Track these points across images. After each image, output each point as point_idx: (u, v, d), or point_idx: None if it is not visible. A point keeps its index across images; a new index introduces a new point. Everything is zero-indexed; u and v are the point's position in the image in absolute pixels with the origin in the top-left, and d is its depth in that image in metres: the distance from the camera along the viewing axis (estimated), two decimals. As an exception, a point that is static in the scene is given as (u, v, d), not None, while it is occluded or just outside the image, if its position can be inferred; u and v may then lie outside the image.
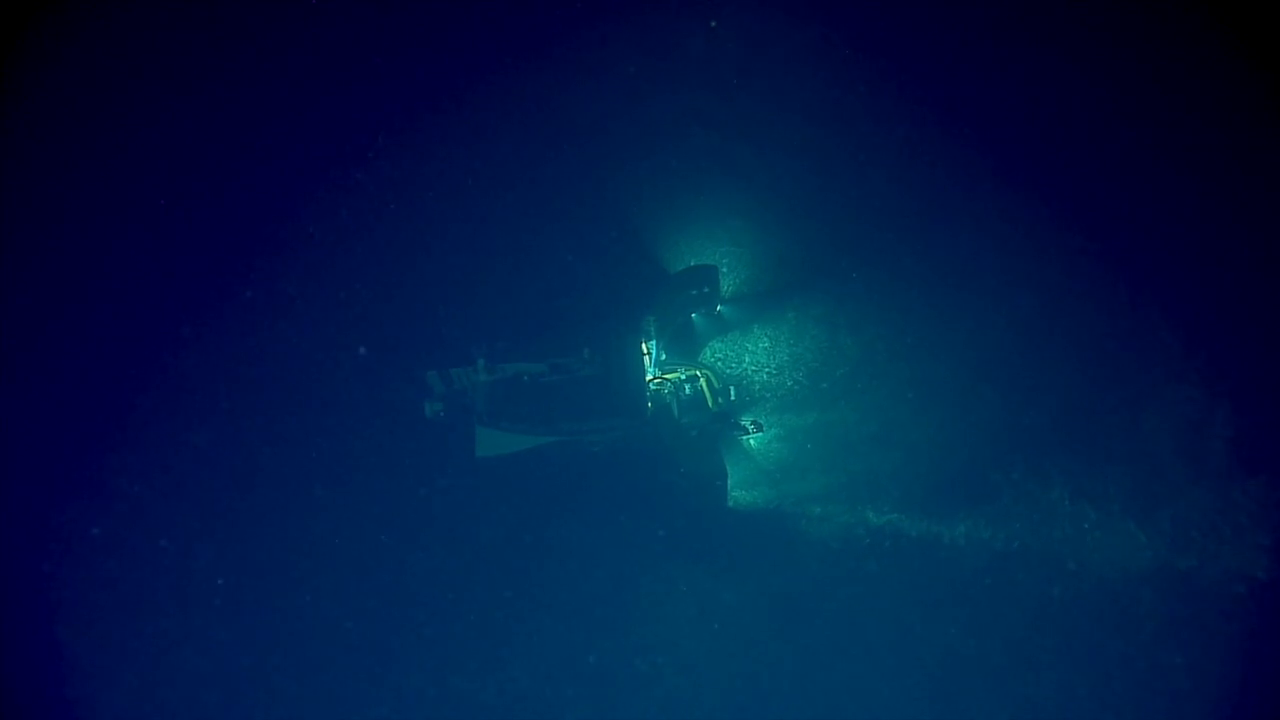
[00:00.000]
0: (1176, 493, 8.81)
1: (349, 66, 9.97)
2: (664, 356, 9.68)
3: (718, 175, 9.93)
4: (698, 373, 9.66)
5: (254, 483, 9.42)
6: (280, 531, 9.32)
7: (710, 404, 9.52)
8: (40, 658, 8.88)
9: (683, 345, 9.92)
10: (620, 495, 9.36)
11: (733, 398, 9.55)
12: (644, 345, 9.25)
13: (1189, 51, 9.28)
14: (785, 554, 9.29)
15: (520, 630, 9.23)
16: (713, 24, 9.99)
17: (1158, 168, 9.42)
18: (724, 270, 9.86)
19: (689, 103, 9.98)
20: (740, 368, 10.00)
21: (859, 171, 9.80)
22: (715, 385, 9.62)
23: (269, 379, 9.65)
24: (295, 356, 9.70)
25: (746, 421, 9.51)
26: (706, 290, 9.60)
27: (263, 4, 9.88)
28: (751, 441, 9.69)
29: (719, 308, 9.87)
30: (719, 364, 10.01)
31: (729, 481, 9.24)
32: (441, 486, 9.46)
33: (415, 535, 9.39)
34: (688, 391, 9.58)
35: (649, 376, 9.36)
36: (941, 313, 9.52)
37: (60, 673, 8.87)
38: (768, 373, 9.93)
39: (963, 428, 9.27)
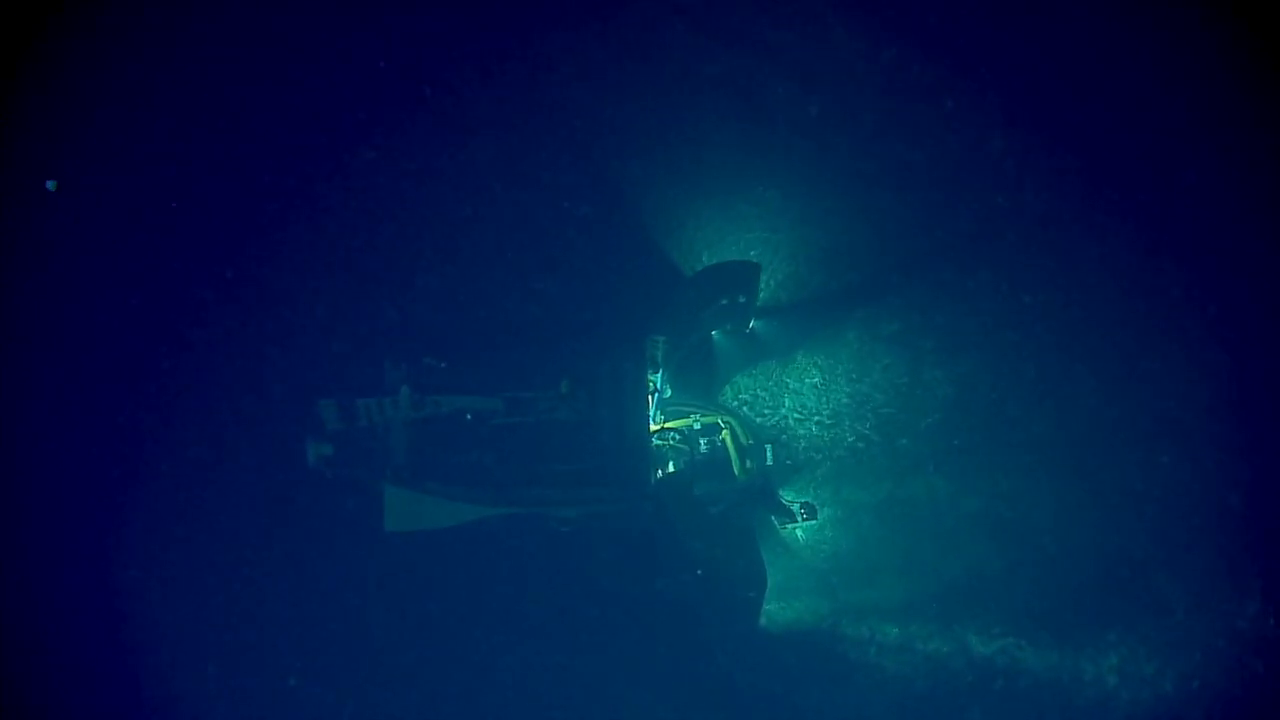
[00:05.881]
0: None
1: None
2: (669, 394, 6.64)
3: (748, 129, 6.84)
4: (719, 421, 6.63)
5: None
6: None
7: (737, 470, 6.45)
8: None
9: (697, 378, 6.89)
10: (602, 603, 6.48)
11: (769, 460, 6.51)
12: (648, 378, 6.22)
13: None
14: (846, 701, 6.35)
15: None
16: None
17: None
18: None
19: (700, 30, 6.97)
20: (778, 414, 6.95)
21: (954, 125, 6.68)
22: (744, 441, 6.54)
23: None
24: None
25: (792, 500, 6.51)
26: (742, 299, 6.57)
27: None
28: (798, 530, 6.68)
29: (751, 323, 6.89)
30: (748, 409, 6.96)
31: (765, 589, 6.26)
32: (332, 570, 6.75)
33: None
34: (704, 449, 6.53)
35: (654, 425, 6.30)
36: (1086, 336, 6.61)
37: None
38: (817, 422, 6.90)
39: (1116, 508, 6.41)
